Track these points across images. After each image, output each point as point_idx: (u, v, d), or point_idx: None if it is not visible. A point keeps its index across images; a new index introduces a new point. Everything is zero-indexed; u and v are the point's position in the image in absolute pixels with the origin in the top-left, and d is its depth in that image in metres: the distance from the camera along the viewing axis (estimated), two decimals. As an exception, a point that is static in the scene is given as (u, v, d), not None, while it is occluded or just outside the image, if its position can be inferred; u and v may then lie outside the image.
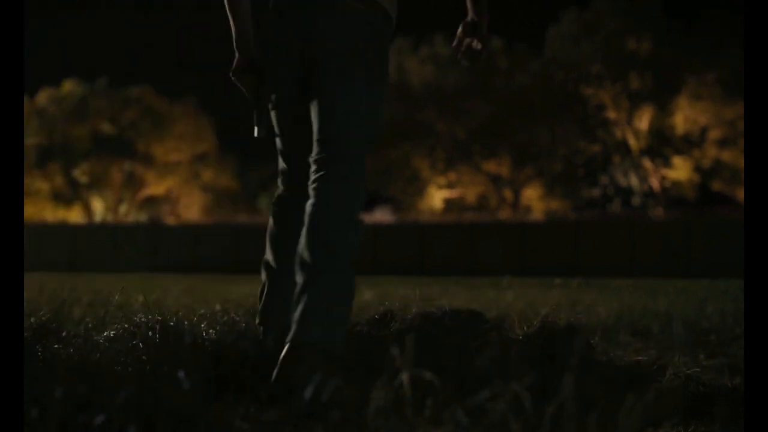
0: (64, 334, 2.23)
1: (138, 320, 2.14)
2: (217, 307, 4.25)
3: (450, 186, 39.45)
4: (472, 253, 24.86)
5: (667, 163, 33.56)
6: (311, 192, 1.91)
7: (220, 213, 45.61)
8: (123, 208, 45.11)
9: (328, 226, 1.86)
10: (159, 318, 2.09)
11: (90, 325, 2.79)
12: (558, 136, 35.30)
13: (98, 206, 45.39)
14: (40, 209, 40.37)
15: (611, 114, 34.84)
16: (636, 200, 36.70)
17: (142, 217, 48.68)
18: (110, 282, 11.31)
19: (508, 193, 38.62)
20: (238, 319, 2.36)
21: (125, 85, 42.36)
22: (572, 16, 35.11)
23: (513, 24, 71.87)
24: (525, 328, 2.24)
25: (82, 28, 78.17)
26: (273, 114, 2.10)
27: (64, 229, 30.04)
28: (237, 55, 2.12)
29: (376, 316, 2.38)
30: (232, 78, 2.14)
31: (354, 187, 1.92)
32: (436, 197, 38.91)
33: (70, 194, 41.19)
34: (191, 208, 44.44)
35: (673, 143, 33.22)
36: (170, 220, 42.70)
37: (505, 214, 38.67)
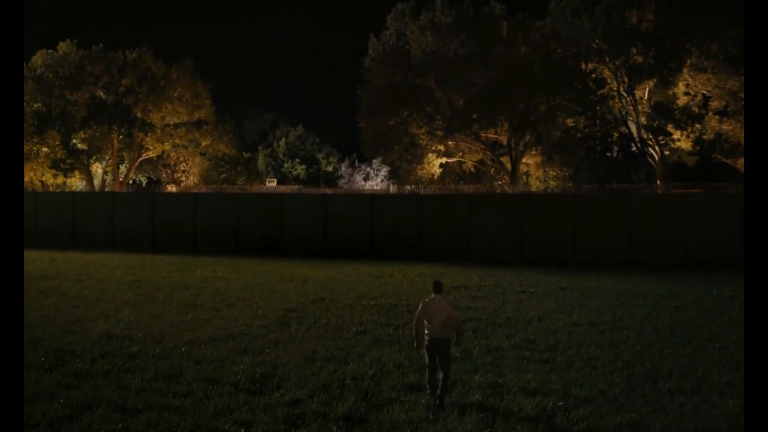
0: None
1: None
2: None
3: (448, 155, 39.36)
4: (469, 227, 24.83)
5: (668, 136, 33.40)
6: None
7: (219, 179, 45.54)
8: (122, 173, 45.12)
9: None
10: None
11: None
12: (557, 106, 35.09)
13: (98, 171, 45.36)
14: (40, 175, 40.35)
15: (612, 88, 34.59)
16: (634, 148, 36.39)
17: (142, 182, 48.62)
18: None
19: (506, 161, 38.53)
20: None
21: (122, 46, 41.99)
22: (574, -12, 34.71)
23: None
24: None
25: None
26: (428, 354, 7.88)
27: (64, 196, 29.94)
28: (416, 341, 8.07)
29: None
30: (416, 347, 8.16)
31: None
32: (435, 164, 38.81)
33: (69, 161, 41.12)
34: (190, 174, 44.41)
35: (674, 116, 32.97)
36: (171, 188, 42.69)
37: (503, 182, 38.64)
